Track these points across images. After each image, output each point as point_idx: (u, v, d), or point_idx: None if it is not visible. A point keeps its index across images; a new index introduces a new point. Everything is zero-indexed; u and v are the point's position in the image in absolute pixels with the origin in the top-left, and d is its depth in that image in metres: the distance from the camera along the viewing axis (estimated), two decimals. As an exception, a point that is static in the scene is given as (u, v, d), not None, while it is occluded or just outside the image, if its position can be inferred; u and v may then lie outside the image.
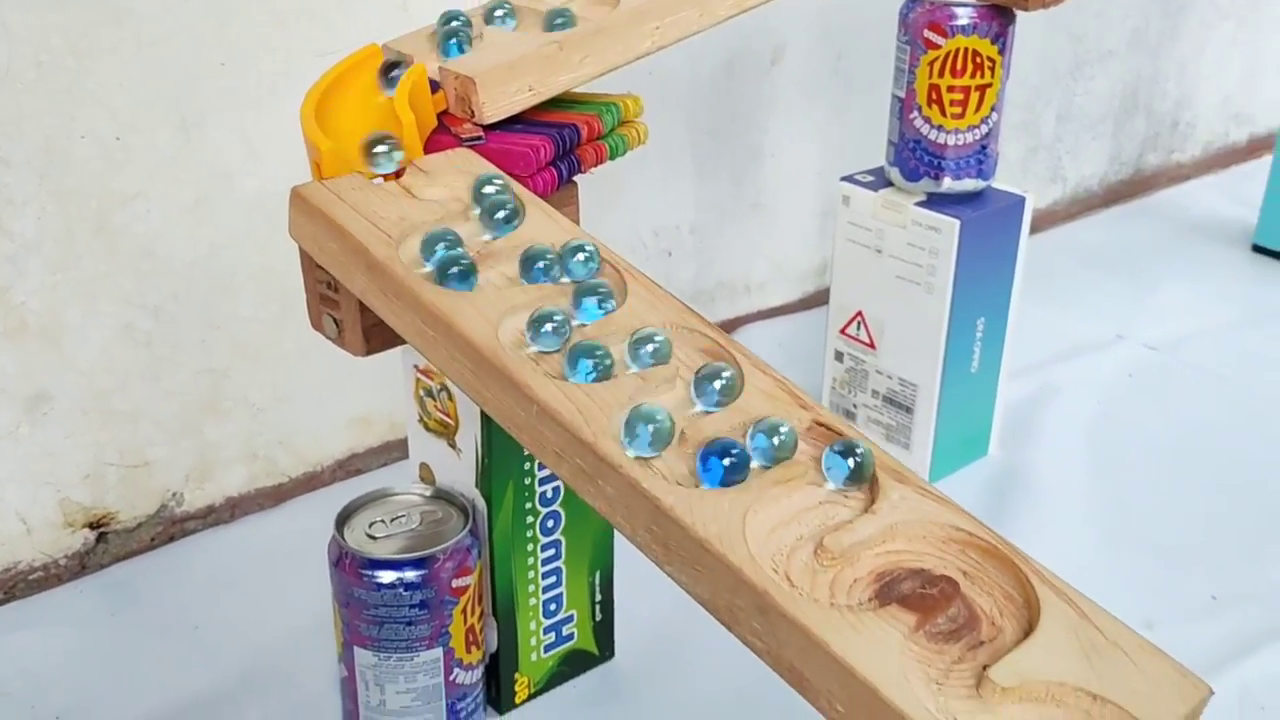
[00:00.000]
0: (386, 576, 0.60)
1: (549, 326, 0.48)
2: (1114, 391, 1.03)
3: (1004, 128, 0.85)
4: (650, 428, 0.43)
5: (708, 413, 0.46)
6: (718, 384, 0.46)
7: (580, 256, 0.52)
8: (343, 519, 0.63)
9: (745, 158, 1.06)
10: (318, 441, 0.87)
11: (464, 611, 0.63)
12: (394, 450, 0.91)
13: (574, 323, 0.49)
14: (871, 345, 0.90)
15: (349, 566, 0.61)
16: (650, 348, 0.47)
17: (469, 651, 0.64)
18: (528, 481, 0.65)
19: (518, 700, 0.69)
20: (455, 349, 0.47)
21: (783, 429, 0.44)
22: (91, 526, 0.78)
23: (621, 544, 0.72)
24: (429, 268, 0.50)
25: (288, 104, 0.73)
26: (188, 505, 0.82)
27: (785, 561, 0.41)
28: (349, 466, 0.89)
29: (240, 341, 0.80)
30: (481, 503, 0.64)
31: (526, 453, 0.64)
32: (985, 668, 0.38)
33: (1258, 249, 1.29)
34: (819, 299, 1.15)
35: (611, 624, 0.73)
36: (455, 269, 0.50)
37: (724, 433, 0.45)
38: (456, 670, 0.64)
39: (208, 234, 0.77)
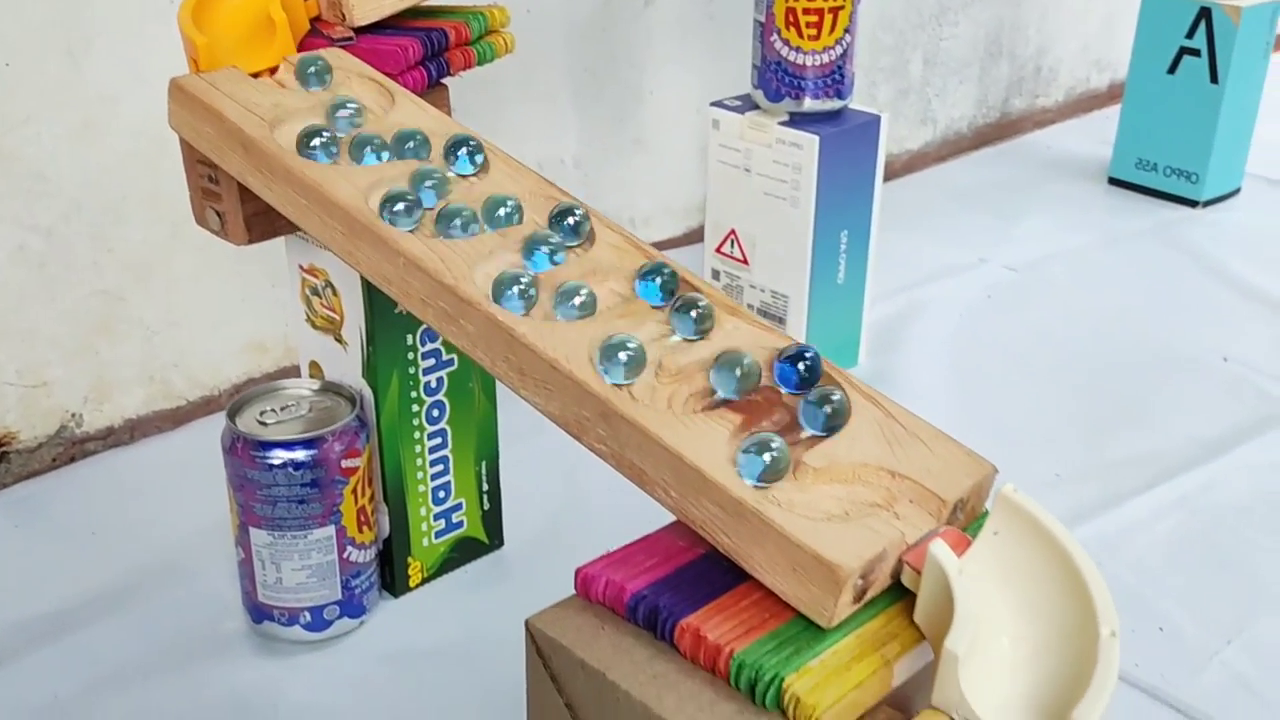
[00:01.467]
0: (277, 457, 0.64)
1: (429, 182, 0.52)
2: (975, 308, 1.10)
3: (875, 71, 0.91)
4: (516, 287, 0.48)
5: (563, 265, 0.51)
6: (570, 238, 0.51)
7: (452, 141, 0.57)
8: (235, 410, 0.67)
9: (625, 96, 1.11)
10: (213, 366, 0.90)
11: (354, 492, 0.67)
12: (290, 375, 0.94)
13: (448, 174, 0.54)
14: (745, 261, 0.95)
15: (241, 450, 0.65)
16: (504, 211, 0.52)
17: (361, 531, 0.68)
18: (412, 371, 0.69)
19: (411, 584, 0.73)
20: (327, 215, 0.51)
21: (668, 272, 0.49)
22: (-9, 446, 0.81)
23: (507, 437, 0.77)
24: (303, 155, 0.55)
25: (172, 30, 0.76)
26: (87, 426, 0.85)
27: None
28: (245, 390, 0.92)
29: (132, 264, 0.83)
30: (368, 392, 0.68)
31: (410, 344, 0.68)
32: (799, 456, 0.43)
33: (1113, 181, 1.37)
34: (701, 235, 1.20)
35: (499, 513, 0.77)
36: (318, 141, 0.54)
37: (575, 277, 0.49)
38: (350, 548, 0.68)
39: (96, 157, 0.79)
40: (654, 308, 0.49)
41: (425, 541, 0.73)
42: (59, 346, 0.82)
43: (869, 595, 0.41)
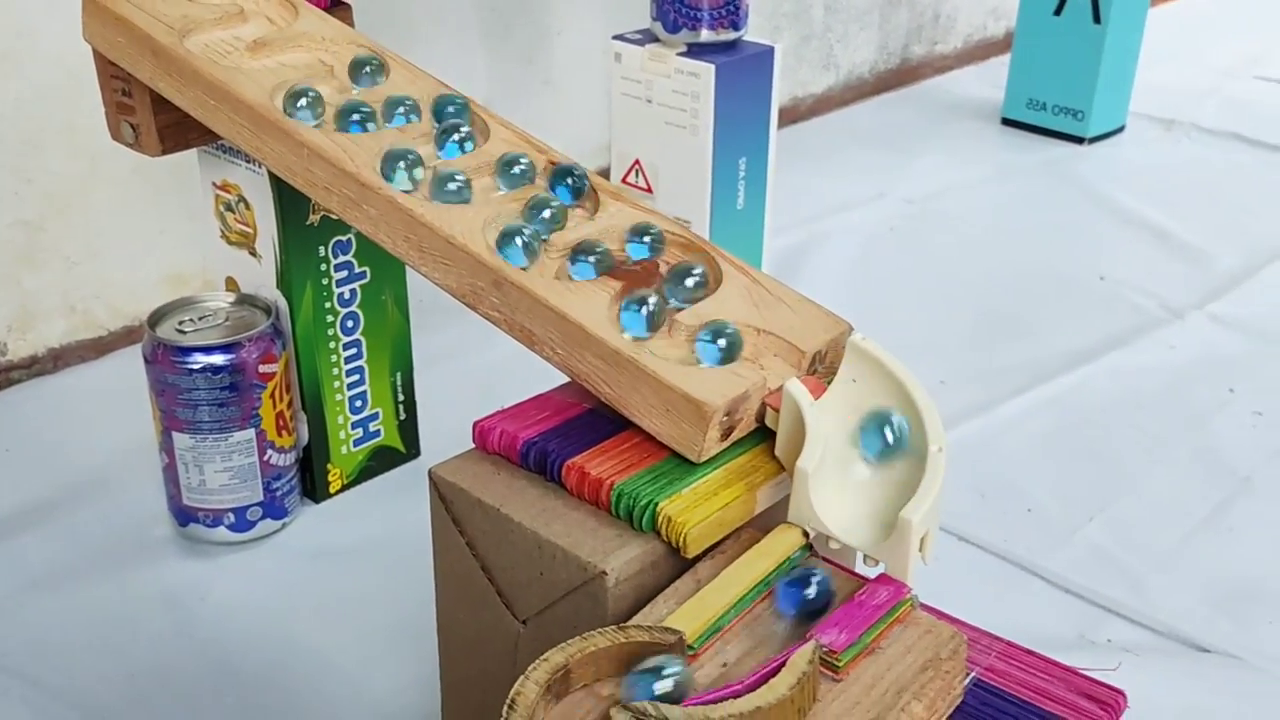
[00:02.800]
0: (196, 362, 0.67)
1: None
2: (874, 237, 1.16)
3: (779, 16, 0.95)
4: (403, 163, 0.52)
5: (454, 158, 0.55)
6: (457, 136, 0.54)
7: (362, 54, 0.60)
8: (155, 319, 0.70)
9: (534, 36, 1.15)
10: (134, 296, 0.92)
11: (272, 397, 0.70)
12: (211, 307, 0.97)
13: (353, 91, 0.57)
14: (649, 189, 1.00)
15: (161, 356, 0.68)
16: (403, 109, 0.56)
17: (280, 435, 0.72)
18: (325, 283, 0.72)
19: (331, 490, 0.77)
20: (235, 113, 0.54)
21: (522, 160, 0.53)
22: (-84, 373, 0.83)
23: (421, 350, 0.80)
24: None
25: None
26: (11, 355, 0.87)
27: (519, 256, 0.50)
28: (167, 322, 0.95)
29: (51, 195, 0.85)
30: (283, 302, 0.72)
31: (322, 255, 0.71)
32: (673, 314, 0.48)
33: (1006, 121, 1.43)
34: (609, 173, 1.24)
35: (415, 424, 0.81)
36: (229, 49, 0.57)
37: (464, 169, 0.53)
38: (270, 451, 0.71)
39: (14, 89, 0.82)
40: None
41: (344, 449, 0.77)
42: (-20, 276, 0.84)
43: (735, 435, 0.46)
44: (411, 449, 0.81)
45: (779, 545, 0.42)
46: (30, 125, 0.83)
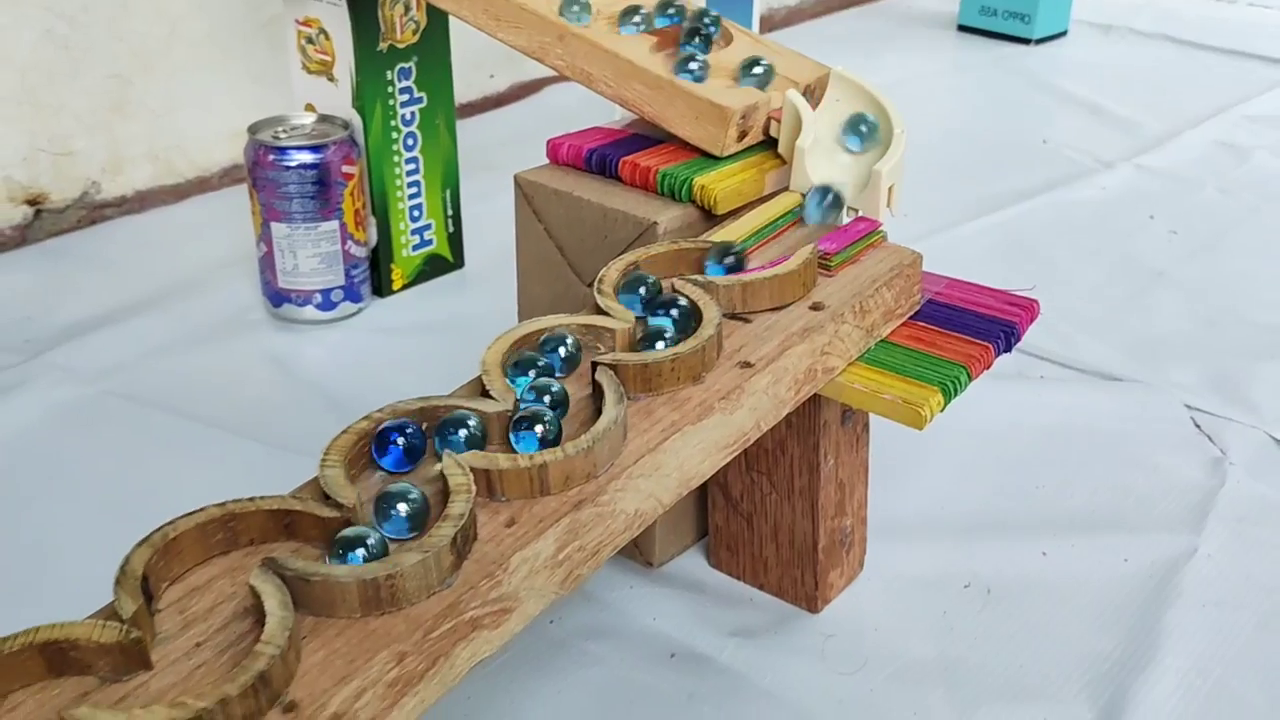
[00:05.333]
0: (293, 159, 0.81)
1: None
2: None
3: None
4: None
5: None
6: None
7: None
8: (254, 129, 0.84)
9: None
10: (205, 149, 1.06)
11: (351, 194, 0.84)
12: (268, 165, 1.10)
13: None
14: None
15: (263, 157, 0.82)
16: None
17: (358, 229, 0.86)
18: (391, 103, 0.86)
19: (394, 287, 0.91)
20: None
21: None
22: (30, 204, 0.96)
23: (468, 173, 0.95)
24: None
25: None
26: (105, 194, 1.01)
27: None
28: (233, 175, 1.08)
29: (139, 53, 0.99)
30: (357, 119, 0.86)
31: (389, 79, 0.86)
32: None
33: (961, 28, 1.59)
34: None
35: (461, 238, 0.95)
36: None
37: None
38: (349, 243, 0.86)
39: (110, -44, 0.95)
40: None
41: (404, 252, 0.91)
42: (82, 121, 0.97)
43: (747, 140, 0.60)
44: (458, 259, 0.95)
45: (782, 203, 0.57)
46: (123, -11, 0.97)
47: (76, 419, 0.76)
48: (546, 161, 0.63)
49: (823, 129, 0.59)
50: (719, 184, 0.57)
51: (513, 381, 0.46)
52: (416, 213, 0.91)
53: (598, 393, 0.45)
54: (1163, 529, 0.68)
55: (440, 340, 0.86)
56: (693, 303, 0.49)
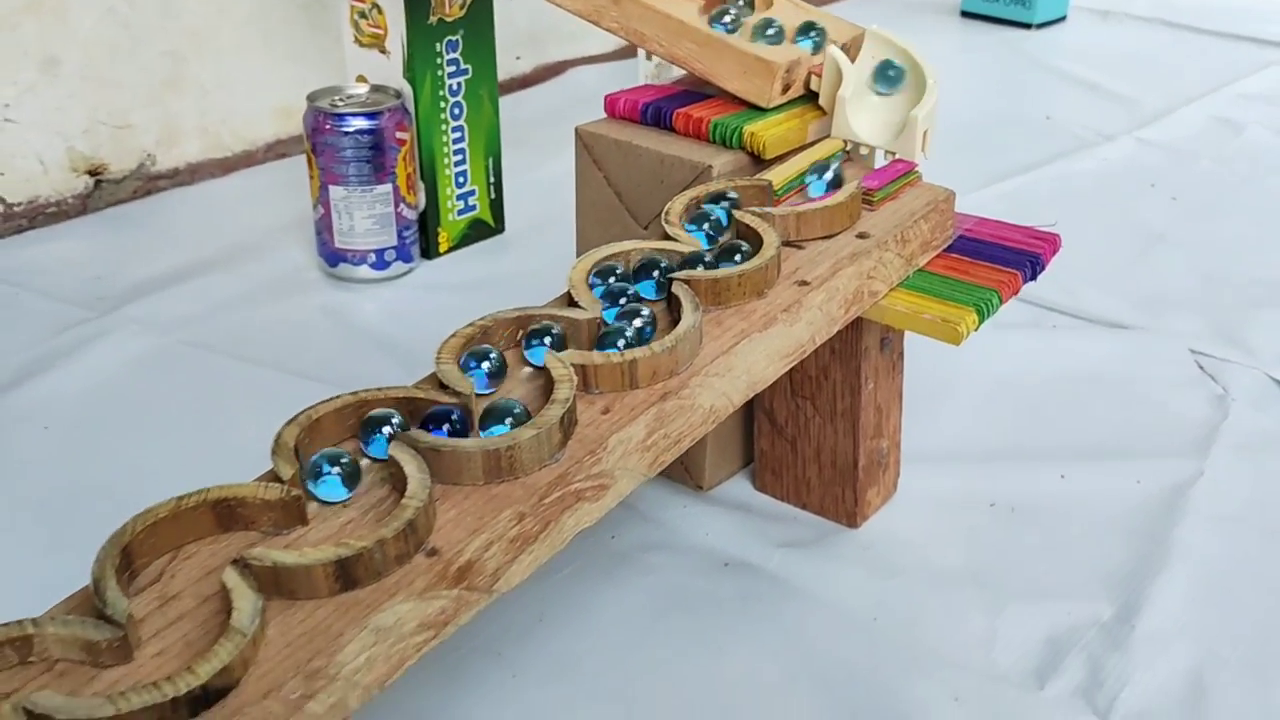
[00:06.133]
0: (350, 125, 0.87)
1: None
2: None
3: None
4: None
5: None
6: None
7: None
8: (312, 98, 0.89)
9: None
10: (251, 125, 1.11)
11: (404, 160, 0.90)
12: (310, 141, 1.16)
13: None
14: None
15: (322, 123, 0.87)
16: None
17: (409, 193, 0.91)
18: (439, 74, 0.92)
19: (441, 249, 0.97)
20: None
21: None
22: (90, 174, 1.01)
23: (509, 140, 1.00)
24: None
25: None
26: (159, 166, 1.06)
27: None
28: (276, 150, 1.14)
29: (190, 32, 1.04)
30: (408, 88, 0.91)
31: (438, 50, 0.91)
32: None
33: (965, 14, 1.64)
34: (626, 52, 1.44)
35: (502, 204, 1.00)
36: None
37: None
38: (402, 205, 0.91)
39: (166, -61, 1.00)
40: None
41: (450, 217, 0.96)
42: (139, 96, 1.02)
43: (790, 94, 0.66)
44: (499, 224, 1.00)
45: (824, 148, 0.63)
46: (178, -30, 1.02)
47: (155, 364, 0.81)
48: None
49: (860, 82, 0.65)
50: (767, 131, 0.62)
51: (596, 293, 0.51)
52: (461, 179, 0.96)
53: (674, 305, 0.50)
54: (1171, 455, 0.73)
55: (485, 297, 0.91)
56: (753, 229, 0.54)
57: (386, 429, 0.43)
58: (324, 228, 0.91)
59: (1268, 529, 0.67)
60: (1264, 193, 1.11)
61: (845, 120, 0.63)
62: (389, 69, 0.91)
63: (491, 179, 0.98)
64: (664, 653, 0.59)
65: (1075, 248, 0.99)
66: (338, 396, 0.45)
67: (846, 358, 0.63)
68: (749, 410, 0.70)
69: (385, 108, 0.88)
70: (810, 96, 0.67)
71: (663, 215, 0.56)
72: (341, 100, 0.89)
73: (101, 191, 1.02)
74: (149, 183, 1.05)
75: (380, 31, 0.91)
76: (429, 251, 0.96)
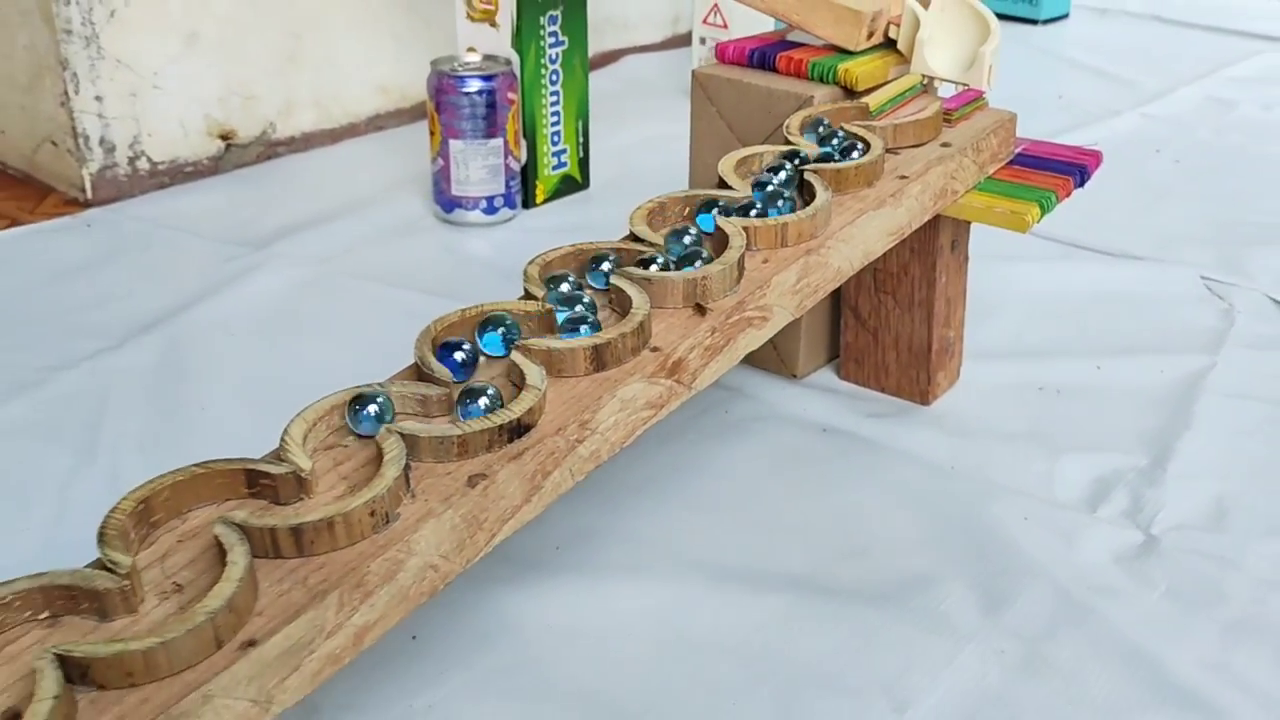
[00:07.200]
0: (471, 86, 1.00)
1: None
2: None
3: None
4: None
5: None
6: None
7: None
8: (435, 63, 1.02)
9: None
10: (356, 100, 1.24)
11: (512, 118, 1.03)
12: (405, 116, 1.28)
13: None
14: (725, 26, 1.33)
15: (446, 84, 1.00)
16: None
17: (516, 147, 1.04)
18: (542, 44, 1.05)
19: (538, 200, 1.10)
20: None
21: None
22: (222, 138, 1.14)
23: (596, 102, 1.13)
24: None
25: None
26: (279, 134, 1.18)
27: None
28: (375, 123, 1.26)
29: (311, 12, 1.17)
30: (515, 57, 1.04)
31: (542, 24, 1.04)
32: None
33: (976, 11, 1.79)
34: (675, 42, 1.57)
35: (588, 163, 1.13)
36: None
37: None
38: (509, 158, 1.04)
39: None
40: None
41: (546, 171, 1.09)
42: (264, 70, 1.15)
43: (873, 39, 0.79)
44: (585, 181, 1.14)
45: (906, 82, 0.76)
46: (300, -41, 1.15)
47: (309, 286, 0.94)
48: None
49: (934, 26, 0.78)
50: (858, 68, 0.76)
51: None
52: (556, 138, 1.09)
53: (806, 189, 0.63)
54: (1188, 352, 0.87)
55: (577, 238, 1.04)
56: (860, 136, 0.67)
57: (606, 264, 0.56)
58: (442, 178, 1.04)
59: (1271, 400, 0.80)
60: (1256, 157, 1.25)
61: (923, 58, 0.76)
62: (498, 40, 1.05)
63: (580, 139, 1.12)
64: (785, 492, 0.72)
65: (1092, 197, 1.13)
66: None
67: (923, 255, 0.76)
68: (835, 311, 0.83)
69: (498, 72, 1.01)
70: (889, 44, 0.80)
71: (784, 127, 0.70)
72: (460, 66, 1.02)
73: (230, 155, 1.15)
74: (269, 148, 1.18)
75: (491, 7, 1.04)
76: (527, 202, 1.09)
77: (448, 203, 1.04)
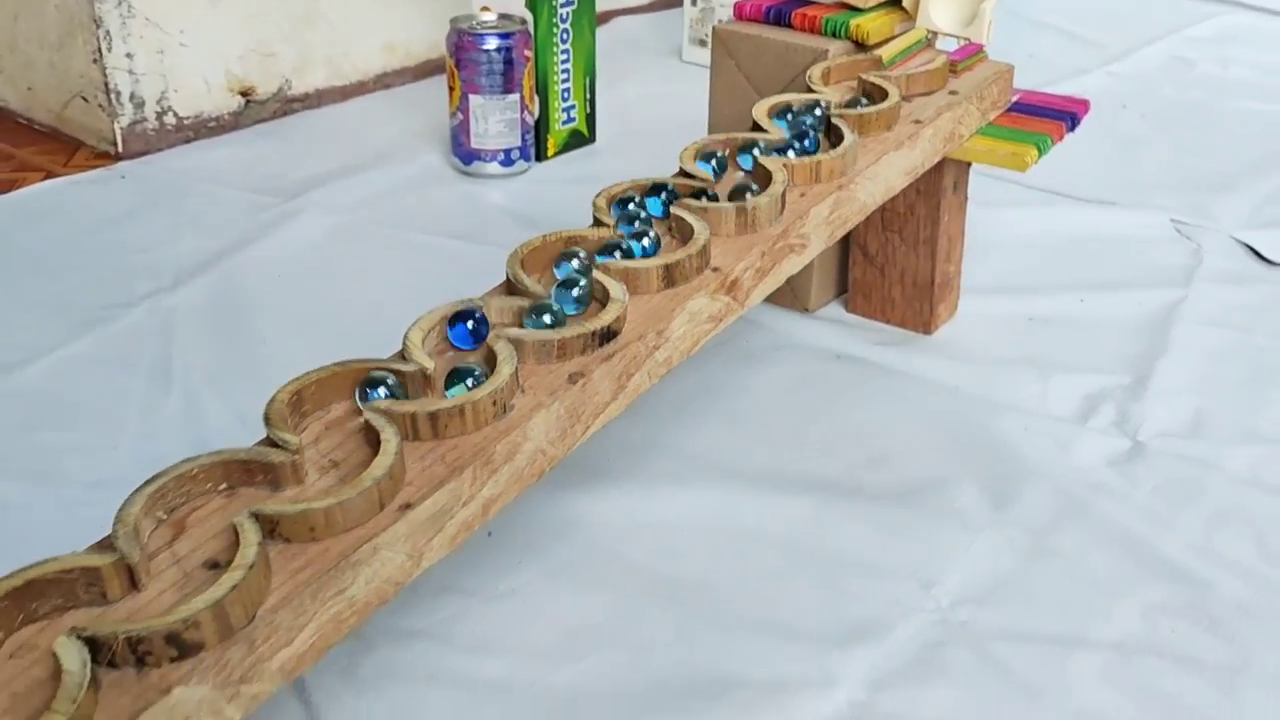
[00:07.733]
0: (490, 43, 1.05)
1: None
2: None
3: None
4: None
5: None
6: None
7: None
8: (454, 21, 1.07)
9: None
10: (365, 58, 1.29)
11: (528, 75, 1.08)
12: (409, 74, 1.33)
13: None
14: (716, -12, 1.39)
15: (465, 41, 1.05)
16: None
17: (531, 102, 1.10)
18: (554, 4, 1.11)
19: (549, 154, 1.15)
20: None
21: None
22: (242, 94, 1.18)
23: (603, 60, 1.19)
24: None
25: None
26: (294, 91, 1.23)
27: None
28: (383, 81, 1.31)
29: (324, -26, 1.22)
30: (529, 16, 1.10)
31: (553, -16, 1.10)
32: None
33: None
34: (661, 4, 1.63)
35: (595, 118, 1.19)
36: None
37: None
38: (524, 113, 1.10)
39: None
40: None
41: (557, 125, 1.15)
42: (280, 29, 1.20)
43: (879, -2, 0.86)
44: (591, 135, 1.19)
45: (913, 36, 0.83)
46: (314, -78, 1.19)
47: (343, 232, 0.99)
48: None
49: (932, -10, 0.85)
50: (869, 23, 0.82)
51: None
52: (566, 94, 1.15)
53: (833, 132, 0.70)
54: (1162, 286, 0.95)
55: (588, 189, 1.10)
56: (879, 86, 0.74)
57: (663, 194, 0.63)
58: (461, 131, 1.09)
59: (1240, 327, 0.89)
60: (1218, 112, 1.34)
61: (928, 14, 0.83)
62: (513, 2, 1.10)
63: (588, 95, 1.17)
64: (807, 410, 0.79)
65: (1068, 149, 1.20)
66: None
67: (929, 195, 0.83)
68: (843, 249, 0.90)
69: (515, 30, 1.06)
70: (895, 1, 0.87)
71: (807, 76, 0.76)
72: (478, 24, 1.07)
73: (249, 110, 1.20)
74: (286, 104, 1.23)
75: (506, -32, 1.09)
76: (539, 155, 1.15)
77: (466, 155, 1.10)
